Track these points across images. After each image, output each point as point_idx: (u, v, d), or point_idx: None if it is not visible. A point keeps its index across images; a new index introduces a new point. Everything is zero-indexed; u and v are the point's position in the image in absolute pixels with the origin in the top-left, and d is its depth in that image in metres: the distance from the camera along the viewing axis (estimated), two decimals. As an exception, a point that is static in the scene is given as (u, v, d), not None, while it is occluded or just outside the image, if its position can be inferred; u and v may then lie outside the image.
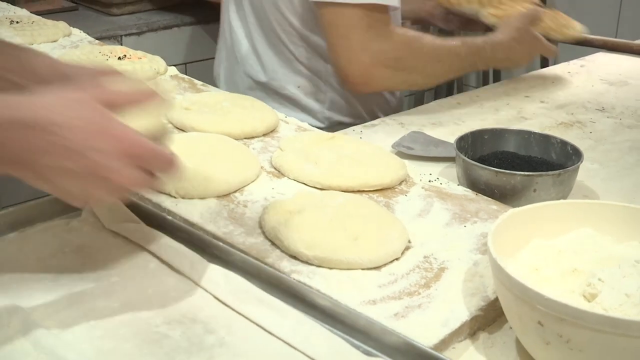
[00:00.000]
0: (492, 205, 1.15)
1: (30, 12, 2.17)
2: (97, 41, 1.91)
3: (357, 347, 0.83)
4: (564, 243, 0.95)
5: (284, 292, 0.91)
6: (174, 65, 1.73)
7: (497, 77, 2.86)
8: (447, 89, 3.12)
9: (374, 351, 0.83)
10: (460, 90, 1.85)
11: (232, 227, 1.06)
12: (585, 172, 1.28)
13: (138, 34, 2.72)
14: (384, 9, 1.51)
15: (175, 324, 0.86)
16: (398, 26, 1.63)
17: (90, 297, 0.89)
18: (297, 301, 0.90)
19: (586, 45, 2.14)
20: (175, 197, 1.12)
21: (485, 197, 1.17)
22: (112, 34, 2.66)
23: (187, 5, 2.94)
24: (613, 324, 0.75)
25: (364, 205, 1.10)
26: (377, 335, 0.84)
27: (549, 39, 1.76)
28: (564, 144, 1.26)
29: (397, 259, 1.01)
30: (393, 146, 1.38)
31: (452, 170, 1.29)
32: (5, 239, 1.00)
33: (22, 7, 2.25)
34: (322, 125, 1.68)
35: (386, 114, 1.68)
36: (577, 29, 1.83)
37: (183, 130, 1.37)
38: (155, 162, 0.83)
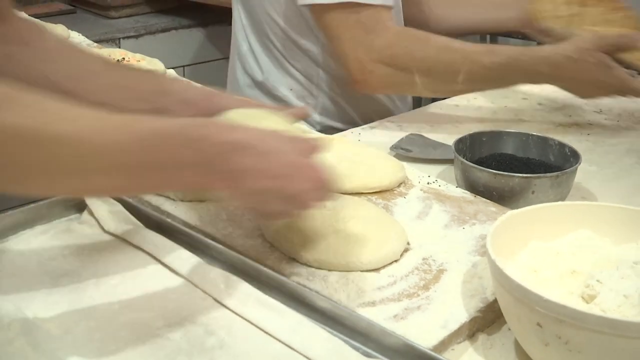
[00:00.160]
0: (491, 207, 1.16)
1: (28, 15, 2.16)
2: (95, 44, 1.92)
3: (357, 349, 0.83)
4: (563, 245, 0.95)
5: (284, 294, 0.91)
6: (173, 68, 1.73)
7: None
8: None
9: (373, 353, 0.84)
10: (457, 93, 1.85)
11: (232, 230, 1.06)
12: (583, 174, 1.28)
13: (136, 36, 2.72)
14: (370, 5, 1.47)
15: (175, 326, 0.86)
16: (397, 24, 1.58)
17: (90, 299, 0.89)
18: (296, 303, 0.90)
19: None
20: (174, 200, 1.12)
21: (484, 199, 1.18)
22: (110, 36, 2.66)
23: (185, 8, 2.94)
24: (612, 325, 0.76)
25: (363, 207, 1.10)
26: (376, 336, 0.84)
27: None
28: (562, 145, 1.26)
29: (396, 260, 1.01)
30: (391, 148, 1.39)
31: (450, 172, 1.29)
32: (5, 242, 1.00)
33: (20, 10, 2.24)
34: (314, 130, 1.67)
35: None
36: None
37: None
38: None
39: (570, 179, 1.20)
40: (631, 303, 0.81)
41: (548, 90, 1.79)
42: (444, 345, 0.88)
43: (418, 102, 3.22)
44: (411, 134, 1.45)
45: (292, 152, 0.89)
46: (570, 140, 1.36)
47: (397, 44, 1.46)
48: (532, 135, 1.31)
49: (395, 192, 1.20)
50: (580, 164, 1.21)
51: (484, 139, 1.30)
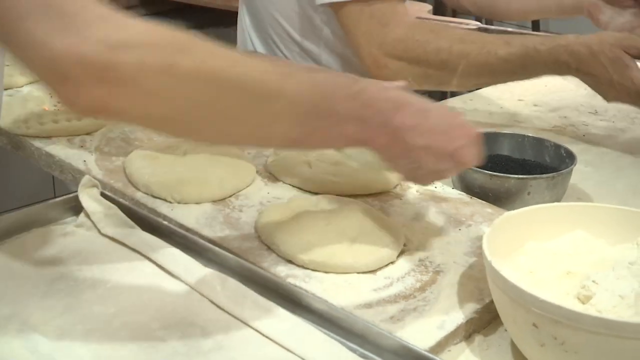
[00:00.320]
0: (487, 208, 1.16)
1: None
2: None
3: (354, 351, 0.83)
4: (558, 246, 0.95)
5: (280, 296, 0.91)
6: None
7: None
8: (440, 93, 3.12)
9: (370, 354, 0.84)
10: (453, 94, 1.85)
11: (228, 232, 1.06)
12: (579, 175, 1.28)
13: (132, 39, 2.72)
14: None
15: (172, 328, 0.86)
16: (412, 17, 1.53)
17: (87, 302, 0.89)
18: (293, 305, 0.90)
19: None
20: (170, 202, 1.13)
21: (480, 201, 1.18)
22: (105, 39, 2.66)
23: (181, 10, 2.94)
24: (607, 326, 0.76)
25: (359, 209, 1.10)
26: (373, 338, 0.84)
27: None
28: (557, 147, 1.27)
29: (392, 262, 1.01)
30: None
31: (446, 173, 1.29)
32: (1, 245, 1.00)
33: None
34: None
35: None
36: None
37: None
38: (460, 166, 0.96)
39: (565, 180, 1.20)
40: (627, 303, 0.82)
41: (544, 91, 1.79)
42: (440, 346, 0.88)
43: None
44: (407, 136, 1.45)
45: (446, 112, 0.94)
46: (566, 141, 1.37)
47: (410, 37, 1.43)
48: (528, 136, 1.31)
49: (391, 194, 1.20)
50: (575, 165, 1.21)
51: (480, 141, 1.30)
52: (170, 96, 0.78)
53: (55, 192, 2.34)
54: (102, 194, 1.08)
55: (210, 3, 2.87)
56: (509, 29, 2.12)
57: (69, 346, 0.82)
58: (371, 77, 1.48)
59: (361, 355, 0.83)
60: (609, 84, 1.38)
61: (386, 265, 1.00)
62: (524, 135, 1.32)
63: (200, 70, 0.79)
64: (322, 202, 1.10)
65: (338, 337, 0.85)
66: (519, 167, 1.25)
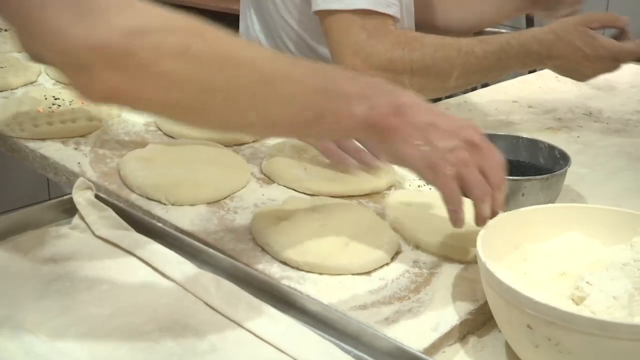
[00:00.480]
0: (481, 209, 1.16)
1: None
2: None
3: (348, 352, 0.83)
4: (553, 247, 0.95)
5: (275, 298, 0.91)
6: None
7: (485, 83, 2.87)
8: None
9: (365, 356, 0.84)
10: (448, 96, 1.85)
11: (223, 234, 1.06)
12: (573, 177, 1.29)
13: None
14: (380, 13, 1.46)
15: (166, 330, 0.86)
16: (398, 28, 1.54)
17: (81, 304, 0.89)
18: (287, 307, 0.90)
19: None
20: (165, 204, 1.13)
21: (474, 202, 1.18)
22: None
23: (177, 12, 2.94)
24: (601, 327, 0.76)
25: (354, 210, 1.10)
26: (367, 340, 0.84)
27: None
28: (551, 148, 1.27)
29: (387, 264, 1.01)
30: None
31: (441, 175, 1.29)
32: (-5, 247, 1.00)
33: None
34: None
35: None
36: None
37: (172, 137, 1.37)
38: (495, 177, 0.92)
39: (560, 181, 1.20)
40: (621, 304, 0.82)
41: (538, 93, 1.80)
42: (435, 347, 0.88)
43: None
44: (402, 137, 1.45)
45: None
46: (560, 142, 1.37)
47: (395, 47, 1.45)
48: (522, 137, 1.31)
49: (385, 195, 1.20)
50: (570, 166, 1.21)
51: (474, 142, 1.30)
52: (186, 80, 0.79)
53: (50, 194, 2.33)
54: (97, 196, 1.08)
55: (207, 5, 2.87)
56: (503, 30, 2.12)
57: (64, 348, 0.82)
58: None
59: (355, 356, 0.83)
60: (582, 60, 1.43)
61: (381, 266, 1.00)
62: (518, 136, 1.32)
63: (215, 53, 0.80)
64: (316, 204, 1.10)
65: (332, 339, 0.85)
66: (513, 168, 1.24)
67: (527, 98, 1.77)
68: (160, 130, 1.40)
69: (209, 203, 1.14)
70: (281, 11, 1.62)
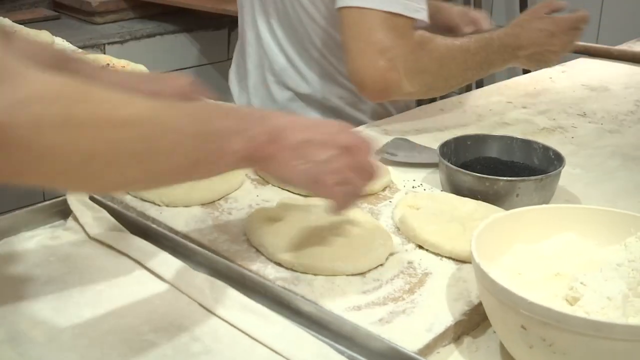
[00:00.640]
0: (476, 210, 1.16)
1: (13, 21, 2.16)
2: (80, 50, 1.91)
3: (342, 353, 0.83)
4: (547, 247, 0.95)
5: (269, 299, 0.91)
6: (158, 74, 1.72)
7: (479, 84, 2.87)
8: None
9: (359, 357, 0.84)
10: (442, 97, 1.85)
11: (217, 235, 1.06)
12: (567, 177, 1.29)
13: (121, 42, 2.72)
14: (408, 17, 1.46)
15: (161, 331, 0.86)
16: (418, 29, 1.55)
17: (76, 306, 0.89)
18: (282, 308, 0.90)
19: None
20: (159, 205, 1.13)
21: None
22: (95, 42, 2.65)
23: (170, 13, 2.94)
24: (595, 327, 0.76)
25: (348, 211, 1.10)
26: (362, 340, 0.84)
27: None
28: (546, 149, 1.27)
29: (381, 264, 1.01)
30: (377, 152, 1.39)
31: (435, 176, 1.29)
32: (-11, 249, 1.00)
33: (4, 16, 2.24)
34: None
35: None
36: None
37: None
38: (366, 172, 0.95)
39: (554, 182, 1.20)
40: (614, 305, 0.82)
41: (532, 94, 1.80)
42: (429, 348, 0.88)
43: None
44: (396, 138, 1.46)
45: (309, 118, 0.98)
46: (554, 143, 1.37)
47: (418, 49, 1.47)
48: (516, 138, 1.31)
49: (380, 196, 1.21)
50: (564, 167, 1.21)
51: (469, 143, 1.30)
52: (68, 151, 0.75)
53: (44, 196, 2.34)
54: (91, 198, 1.08)
55: (200, 6, 2.87)
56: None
57: (58, 350, 0.82)
58: (364, 90, 1.50)
59: (350, 357, 0.83)
60: (550, 38, 1.55)
61: (375, 267, 1.00)
62: (512, 137, 1.32)
63: (98, 118, 0.76)
64: (311, 205, 1.10)
65: (327, 340, 0.85)
66: (507, 169, 1.25)
67: (521, 99, 1.77)
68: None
69: (203, 204, 1.14)
70: (312, 15, 1.60)
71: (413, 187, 1.24)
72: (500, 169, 1.25)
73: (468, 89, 2.69)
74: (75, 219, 1.06)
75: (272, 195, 1.18)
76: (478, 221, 0.98)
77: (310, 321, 0.88)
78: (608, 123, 1.64)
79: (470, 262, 0.99)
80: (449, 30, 1.77)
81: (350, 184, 0.93)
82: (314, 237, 1.02)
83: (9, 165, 0.73)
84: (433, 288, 0.97)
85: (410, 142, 1.45)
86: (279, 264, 0.99)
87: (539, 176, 1.18)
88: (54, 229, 1.05)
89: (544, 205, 1.10)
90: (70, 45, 1.94)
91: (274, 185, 1.21)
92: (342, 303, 0.93)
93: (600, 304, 0.82)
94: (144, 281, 0.95)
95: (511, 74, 2.20)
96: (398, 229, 1.10)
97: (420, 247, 1.06)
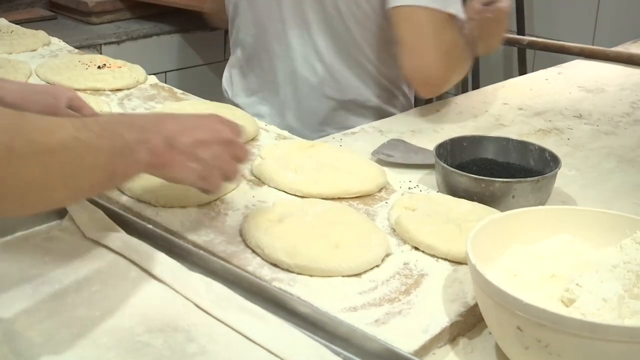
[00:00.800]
0: (472, 211, 1.16)
1: (9, 21, 2.16)
2: (76, 50, 1.91)
3: (338, 354, 0.84)
4: (543, 249, 0.95)
5: (265, 300, 0.91)
6: (154, 74, 1.73)
7: (475, 85, 2.88)
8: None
9: (355, 358, 0.84)
10: (439, 97, 1.85)
11: (213, 236, 1.06)
12: (563, 179, 1.29)
13: (117, 42, 2.71)
14: (454, 16, 1.53)
15: (157, 332, 0.86)
16: None
17: (71, 306, 0.89)
18: (278, 308, 0.90)
19: (563, 53, 2.16)
20: (155, 206, 1.12)
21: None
22: (91, 42, 2.65)
23: (166, 14, 2.93)
24: (591, 329, 0.76)
25: (344, 212, 1.10)
26: (358, 341, 0.84)
27: None
28: (542, 150, 1.27)
29: (377, 265, 1.01)
30: (373, 154, 1.39)
31: (431, 177, 1.30)
32: (-15, 249, 1.00)
33: (0, 17, 2.23)
34: None
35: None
36: None
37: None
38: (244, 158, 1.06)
39: (550, 183, 1.20)
40: (610, 306, 0.82)
41: (528, 95, 1.80)
42: (425, 349, 0.88)
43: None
44: (392, 139, 1.46)
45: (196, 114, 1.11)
46: (550, 144, 1.37)
47: (459, 43, 1.55)
48: (512, 140, 1.32)
49: (376, 197, 1.21)
50: (560, 168, 1.21)
51: (465, 144, 1.30)
52: (9, 184, 0.77)
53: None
54: (87, 198, 1.07)
55: (197, 7, 2.86)
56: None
57: (54, 350, 0.82)
58: (424, 86, 1.58)
59: (345, 358, 0.83)
60: (490, 23, 1.61)
61: (371, 268, 1.00)
62: (508, 138, 1.32)
63: (35, 148, 0.79)
64: (307, 206, 1.10)
65: (323, 340, 0.85)
66: (503, 170, 1.25)
67: (517, 100, 1.77)
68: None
69: (199, 205, 1.14)
70: (364, 23, 1.61)
71: (409, 188, 1.24)
72: (496, 170, 1.25)
73: (464, 89, 2.69)
74: (71, 220, 1.05)
75: (269, 196, 1.18)
76: (474, 222, 0.98)
77: (306, 322, 0.88)
78: (604, 125, 1.64)
79: (466, 264, 1.00)
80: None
81: (230, 170, 1.04)
82: (310, 238, 1.02)
83: None
84: (429, 289, 0.97)
85: (407, 143, 1.45)
86: (275, 265, 0.99)
87: (535, 178, 1.18)
88: (49, 229, 1.05)
89: (539, 207, 1.10)
90: (67, 45, 1.94)
91: (270, 187, 1.21)
92: (338, 304, 0.93)
93: (595, 305, 0.82)
94: (140, 282, 0.95)
95: (507, 75, 2.20)
96: (394, 230, 1.10)
97: (416, 248, 1.06)
